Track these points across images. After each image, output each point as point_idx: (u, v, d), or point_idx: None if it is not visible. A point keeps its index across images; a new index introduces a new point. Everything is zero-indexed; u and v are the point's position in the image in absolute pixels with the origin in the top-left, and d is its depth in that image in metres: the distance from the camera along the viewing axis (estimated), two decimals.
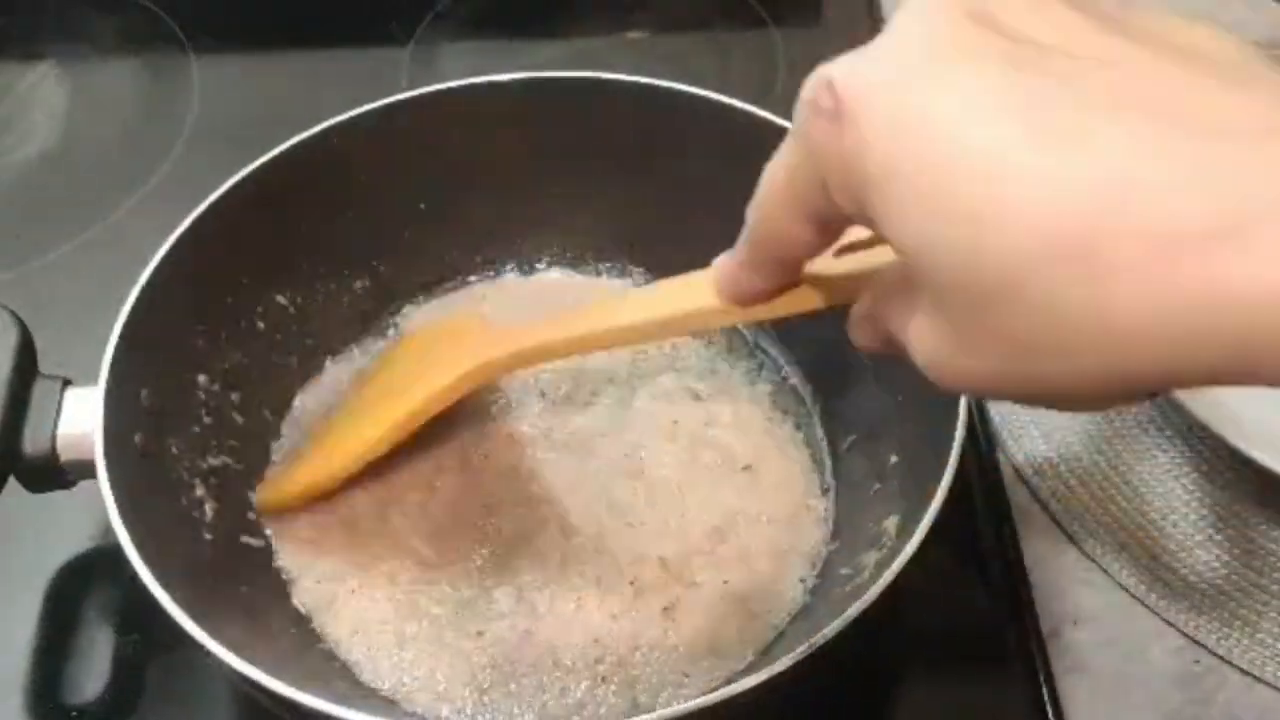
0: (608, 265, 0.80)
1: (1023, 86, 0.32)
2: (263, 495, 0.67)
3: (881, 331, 0.40)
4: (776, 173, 0.40)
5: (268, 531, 0.67)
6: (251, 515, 0.67)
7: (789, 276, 0.44)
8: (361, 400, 0.70)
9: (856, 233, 0.42)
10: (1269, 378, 0.32)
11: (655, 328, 0.54)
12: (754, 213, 0.42)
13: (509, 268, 0.79)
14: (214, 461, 0.66)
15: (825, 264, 0.44)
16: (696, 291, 0.49)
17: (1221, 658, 0.67)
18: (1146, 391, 0.35)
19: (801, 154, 0.37)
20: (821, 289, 0.45)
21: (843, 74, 0.34)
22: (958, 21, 0.33)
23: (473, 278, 0.79)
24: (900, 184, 0.33)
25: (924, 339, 0.36)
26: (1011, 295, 0.31)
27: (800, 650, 0.51)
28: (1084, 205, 0.30)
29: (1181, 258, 0.29)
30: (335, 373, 0.74)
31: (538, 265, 0.80)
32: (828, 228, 0.39)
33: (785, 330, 0.75)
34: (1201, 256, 0.29)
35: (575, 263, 0.80)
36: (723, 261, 0.47)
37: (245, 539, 0.66)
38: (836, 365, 0.72)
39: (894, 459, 0.65)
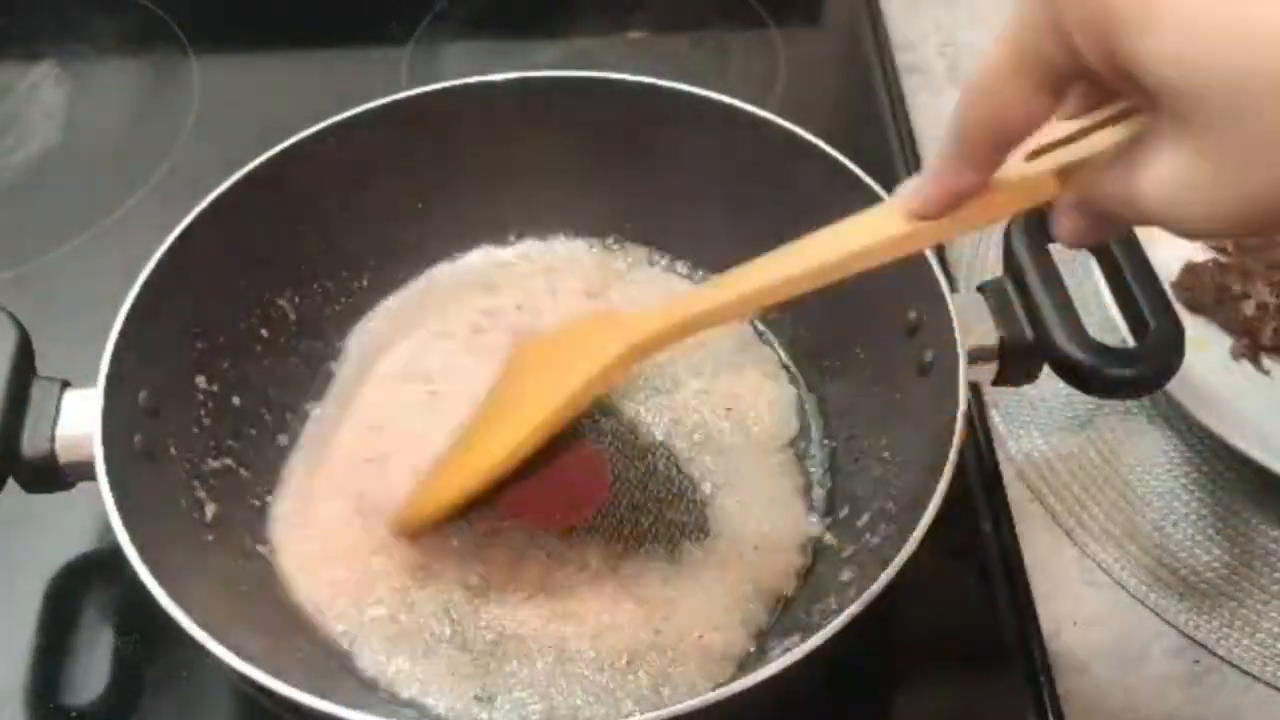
0: (601, 254, 0.79)
1: None
2: (397, 520, 0.65)
3: (1096, 212, 0.40)
4: (1004, 40, 0.39)
5: (270, 533, 0.67)
6: (255, 519, 0.67)
7: (996, 164, 0.43)
8: (488, 420, 0.67)
9: (1040, 138, 0.42)
10: None
11: (833, 269, 0.50)
12: (971, 93, 0.41)
13: (507, 264, 0.79)
14: (214, 464, 0.66)
15: (1020, 167, 0.43)
16: (876, 223, 0.48)
17: (1221, 658, 0.67)
18: None
19: (1040, 5, 0.37)
20: (1020, 191, 0.44)
21: None
22: None
23: (472, 275, 0.79)
24: (1163, 9, 0.34)
25: (1168, 186, 0.37)
26: None
27: (799, 650, 0.51)
28: None
29: None
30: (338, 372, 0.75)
31: (528, 258, 0.79)
32: (1057, 88, 0.39)
33: (783, 328, 0.75)
34: None
35: (566, 252, 0.79)
36: (909, 181, 0.45)
37: (247, 541, 0.66)
38: (836, 364, 0.72)
39: (893, 458, 0.65)
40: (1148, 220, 0.38)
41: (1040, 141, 0.43)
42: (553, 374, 0.63)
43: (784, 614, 0.64)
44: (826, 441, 0.71)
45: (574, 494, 0.67)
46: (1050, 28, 0.37)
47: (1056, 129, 0.42)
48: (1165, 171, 0.37)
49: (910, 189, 0.45)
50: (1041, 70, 0.38)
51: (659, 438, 0.70)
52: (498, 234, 0.79)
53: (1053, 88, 0.39)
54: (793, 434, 0.71)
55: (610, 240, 0.79)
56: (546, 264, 0.78)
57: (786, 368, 0.74)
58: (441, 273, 0.78)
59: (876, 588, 0.52)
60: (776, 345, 0.75)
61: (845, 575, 0.62)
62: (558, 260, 0.79)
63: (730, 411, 0.71)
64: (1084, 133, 0.42)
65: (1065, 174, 0.42)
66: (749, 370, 0.73)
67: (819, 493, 0.69)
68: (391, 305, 0.77)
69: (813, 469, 0.70)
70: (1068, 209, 0.43)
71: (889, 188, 0.66)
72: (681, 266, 0.78)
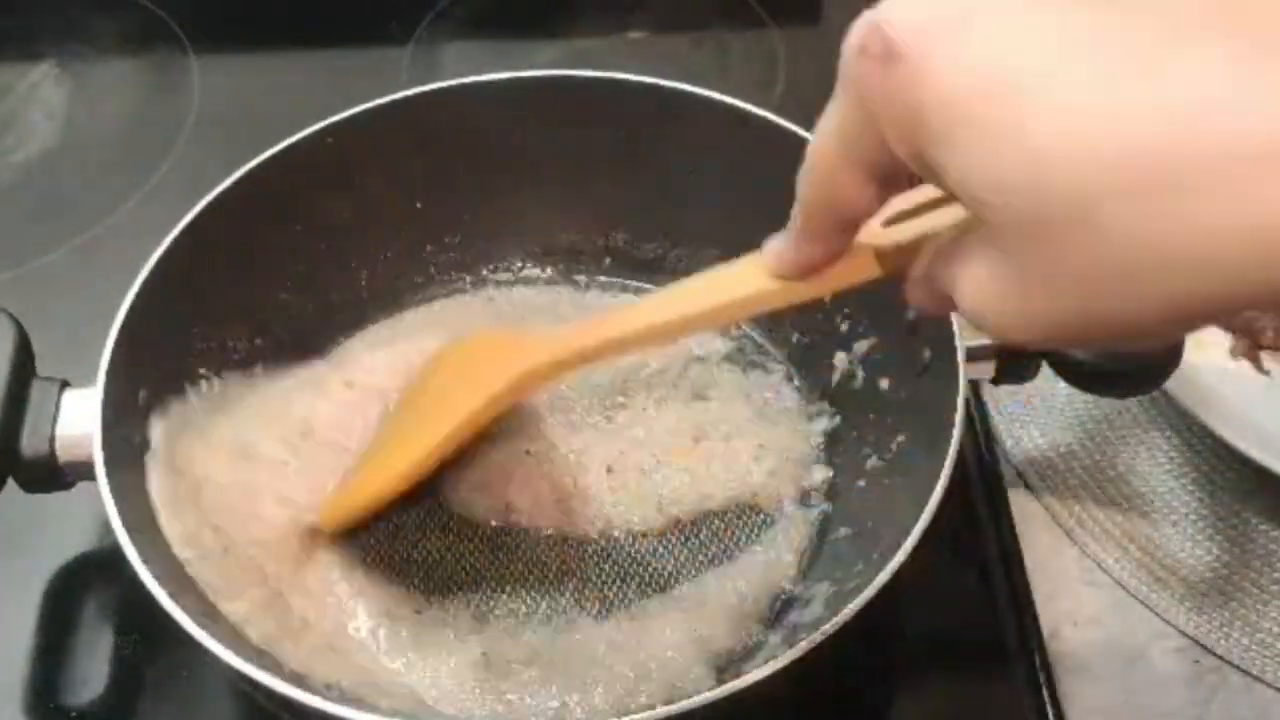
0: (608, 262, 0.79)
1: (1087, 22, 0.31)
2: (323, 515, 0.66)
3: (937, 291, 0.39)
4: (826, 130, 0.38)
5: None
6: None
7: (844, 242, 0.43)
8: (406, 420, 0.68)
9: (900, 203, 0.42)
10: None
11: (707, 317, 0.52)
12: (806, 176, 0.41)
13: (507, 264, 0.79)
14: None
15: (877, 233, 0.43)
16: (746, 275, 0.48)
17: (1221, 658, 0.67)
18: (1210, 320, 0.34)
19: (853, 104, 0.36)
20: (875, 258, 0.44)
21: (896, 16, 0.34)
22: None
23: (470, 275, 0.79)
24: (962, 124, 0.32)
25: (982, 289, 0.35)
26: (1083, 228, 0.31)
27: (797, 649, 0.51)
28: (1160, 131, 0.30)
29: (1263, 176, 0.29)
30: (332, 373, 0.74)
31: (537, 262, 0.79)
32: (884, 181, 0.39)
33: (780, 330, 0.75)
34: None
35: (575, 259, 0.79)
36: (774, 239, 0.46)
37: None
38: (836, 366, 0.72)
39: (893, 458, 0.65)
40: (968, 318, 0.37)
41: (900, 208, 0.43)
42: (464, 386, 0.64)
43: (783, 612, 0.64)
44: (829, 444, 0.71)
45: None
46: (866, 125, 0.36)
47: (918, 194, 0.42)
48: (981, 274, 0.35)
49: (770, 250, 0.46)
50: (866, 163, 0.38)
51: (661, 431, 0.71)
52: (497, 230, 0.79)
53: (881, 178, 0.38)
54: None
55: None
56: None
57: (790, 377, 0.74)
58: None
59: (875, 587, 0.52)
60: (777, 348, 0.75)
61: (844, 574, 0.62)
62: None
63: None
64: (933, 204, 0.42)
65: (909, 248, 0.42)
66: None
67: (819, 493, 0.69)
68: (387, 310, 0.77)
69: (814, 469, 0.70)
70: (914, 281, 0.42)
71: None
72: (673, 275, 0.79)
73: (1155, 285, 0.31)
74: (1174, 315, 0.32)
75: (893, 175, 0.38)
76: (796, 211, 0.43)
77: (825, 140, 0.39)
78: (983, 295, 0.36)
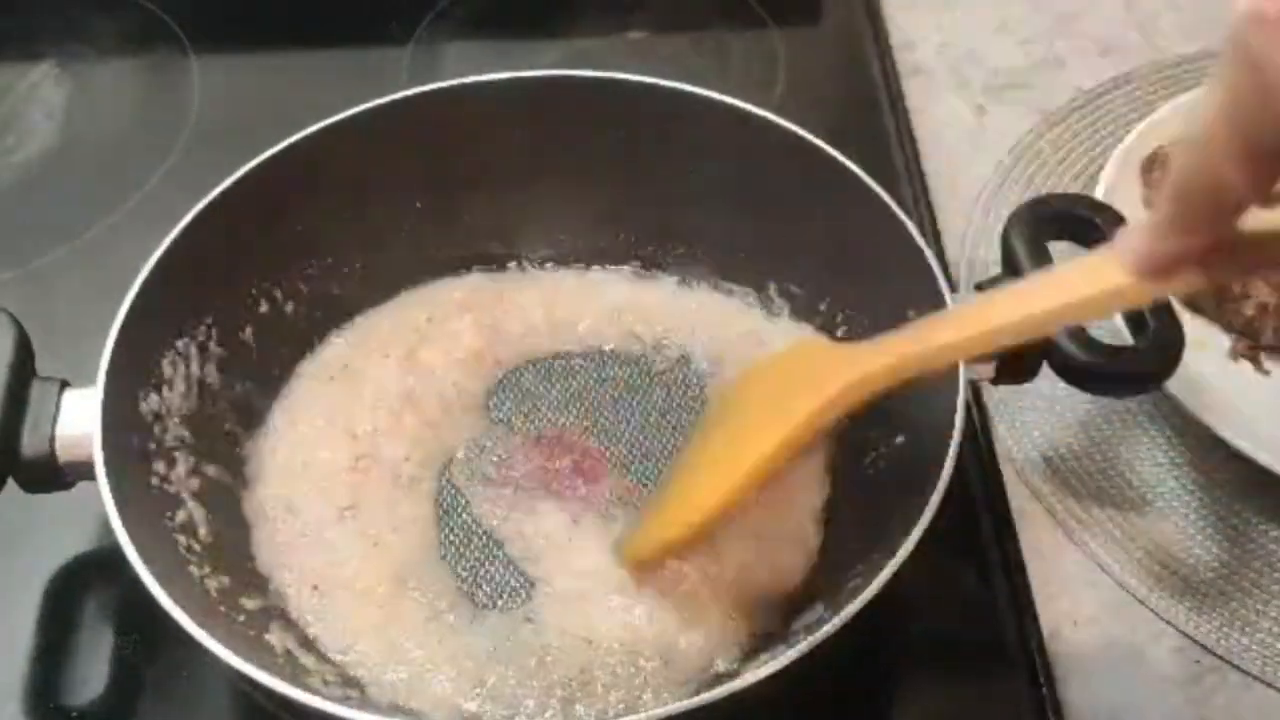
0: (607, 262, 0.79)
1: None
2: (630, 552, 0.64)
3: None
4: (1212, 108, 0.36)
5: (262, 530, 0.67)
6: (244, 520, 0.67)
7: (1216, 234, 0.39)
8: (715, 444, 0.64)
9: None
10: None
11: (1054, 315, 0.49)
12: (1182, 159, 0.38)
13: (507, 265, 0.79)
14: (215, 463, 0.67)
15: (1257, 221, 0.40)
16: (1097, 272, 0.45)
17: (1221, 658, 0.67)
18: None
19: (1245, 75, 0.34)
20: (1256, 250, 0.40)
21: None
22: None
23: (470, 275, 0.79)
24: None
25: None
26: None
27: (796, 649, 0.51)
28: None
29: None
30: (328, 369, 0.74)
31: (536, 262, 0.79)
32: (1271, 160, 0.36)
33: (788, 332, 0.75)
34: None
35: (574, 259, 0.80)
36: (1133, 232, 0.42)
37: (238, 548, 0.66)
38: None
39: (893, 458, 0.65)
40: None
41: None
42: (771, 406, 0.60)
43: (784, 613, 0.64)
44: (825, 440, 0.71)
45: None
46: (1260, 101, 0.34)
47: None
48: None
49: (1128, 248, 0.43)
50: (1254, 142, 0.35)
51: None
52: (496, 231, 0.79)
53: (1270, 157, 0.36)
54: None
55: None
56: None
57: None
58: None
59: (875, 587, 0.52)
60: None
61: (844, 575, 0.62)
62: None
63: None
64: None
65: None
66: None
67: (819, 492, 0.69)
68: (388, 309, 0.77)
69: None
70: None
71: (889, 188, 0.67)
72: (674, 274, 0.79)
73: None
74: None
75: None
76: (1166, 202, 0.39)
77: (1212, 119, 0.36)
78: None
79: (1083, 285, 0.46)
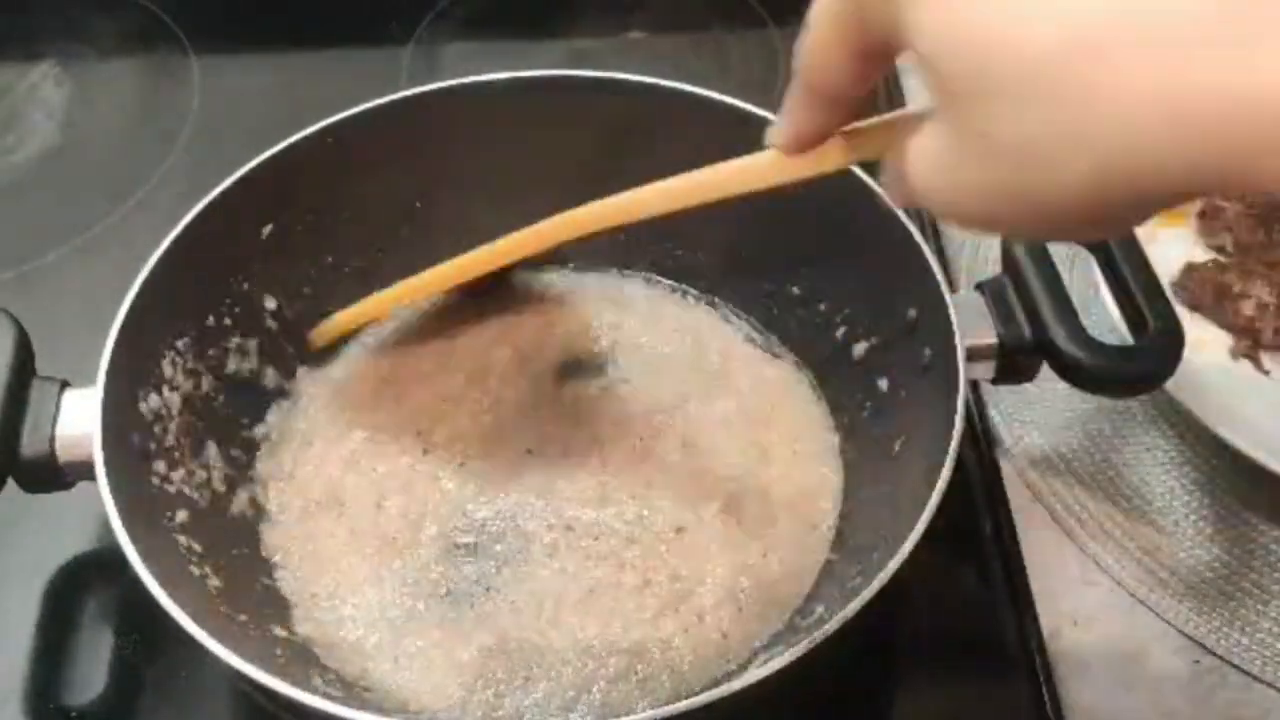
0: (606, 262, 0.79)
1: None
2: (318, 332, 0.71)
3: (899, 178, 0.41)
4: (821, 12, 0.41)
5: (263, 531, 0.67)
6: (244, 520, 0.67)
7: (838, 115, 0.45)
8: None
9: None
10: (1269, 179, 0.31)
11: (707, 188, 0.57)
12: (802, 51, 0.43)
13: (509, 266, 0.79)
14: (216, 463, 0.66)
15: (856, 123, 0.46)
16: (750, 158, 0.51)
17: (1221, 658, 0.67)
18: (1131, 211, 0.36)
19: None
20: (855, 142, 0.46)
21: None
22: None
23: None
24: None
25: (925, 157, 0.37)
26: (1024, 90, 0.32)
27: (796, 649, 0.51)
28: (1107, 8, 0.31)
29: (1194, 58, 0.30)
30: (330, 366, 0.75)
31: (536, 263, 0.79)
32: (868, 56, 0.40)
33: (789, 330, 0.75)
34: (1213, 57, 0.30)
35: (573, 260, 0.79)
36: (777, 117, 0.47)
37: (238, 548, 0.66)
38: (839, 363, 0.72)
39: (893, 458, 0.65)
40: (916, 200, 0.39)
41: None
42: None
43: (786, 613, 0.64)
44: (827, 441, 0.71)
45: None
46: (853, 12, 0.39)
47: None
48: (927, 147, 0.37)
49: (770, 128, 0.48)
50: (853, 42, 0.40)
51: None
52: (496, 232, 0.79)
53: (866, 56, 0.40)
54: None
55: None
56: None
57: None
58: None
59: (874, 587, 0.52)
60: (785, 348, 0.75)
61: (844, 574, 0.62)
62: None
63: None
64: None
65: (884, 131, 0.44)
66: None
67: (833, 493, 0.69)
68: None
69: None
70: (886, 168, 0.44)
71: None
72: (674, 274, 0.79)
73: (1089, 157, 0.32)
74: (1108, 196, 0.33)
75: (873, 51, 0.40)
76: (794, 80, 0.44)
77: (818, 18, 0.41)
78: (925, 168, 0.38)
79: (740, 161, 0.52)
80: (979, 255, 0.84)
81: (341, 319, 0.73)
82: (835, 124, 0.45)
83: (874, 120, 0.45)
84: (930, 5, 0.35)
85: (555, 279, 0.79)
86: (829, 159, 0.47)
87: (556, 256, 0.79)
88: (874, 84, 0.43)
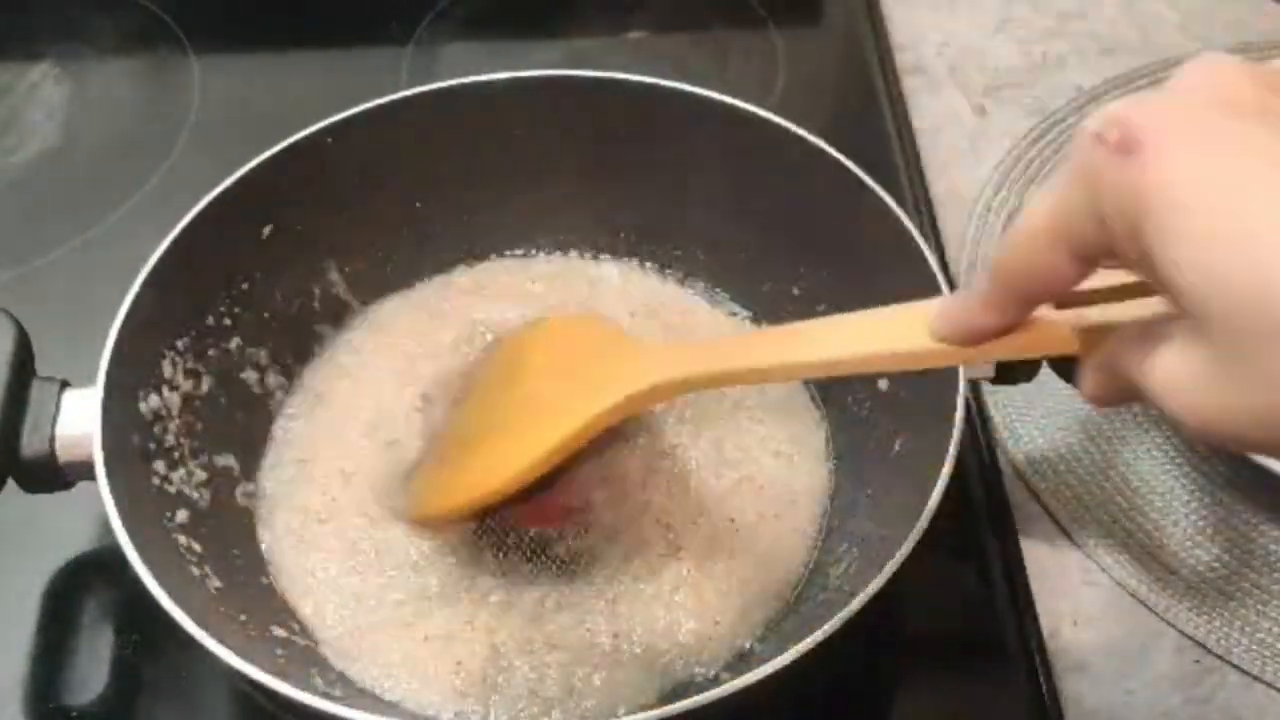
0: (606, 261, 0.79)
1: None
2: (412, 515, 0.66)
3: (1119, 381, 0.41)
4: (1042, 204, 0.40)
5: (259, 534, 0.67)
6: (244, 520, 0.67)
7: (1024, 314, 0.44)
8: (500, 412, 0.66)
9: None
10: None
11: (855, 364, 0.52)
12: (1009, 243, 0.42)
13: (506, 262, 0.79)
14: (217, 462, 0.67)
15: (1068, 314, 0.44)
16: (904, 328, 0.48)
17: (1221, 657, 0.67)
18: None
19: (1079, 184, 0.38)
20: (1050, 336, 0.45)
21: (1138, 114, 0.36)
22: (1244, 83, 0.37)
23: (471, 273, 0.79)
24: (1190, 217, 0.35)
25: (1178, 380, 0.37)
26: None
27: (795, 649, 0.51)
28: None
29: None
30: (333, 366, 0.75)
31: (535, 259, 0.79)
32: (1086, 261, 0.40)
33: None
34: None
35: (574, 256, 0.80)
36: (945, 301, 0.47)
37: (238, 548, 0.66)
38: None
39: (893, 458, 0.65)
40: (1156, 405, 0.39)
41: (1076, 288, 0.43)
42: (576, 386, 0.61)
43: (783, 613, 0.64)
44: (826, 441, 0.71)
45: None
46: (1088, 209, 0.38)
47: (1094, 279, 0.43)
48: (1178, 364, 0.37)
49: (940, 310, 0.47)
50: (1078, 242, 0.39)
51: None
52: (496, 232, 0.79)
53: (1086, 259, 0.40)
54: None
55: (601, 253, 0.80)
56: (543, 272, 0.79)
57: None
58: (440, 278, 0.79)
59: (873, 588, 0.52)
60: None
61: (843, 575, 0.62)
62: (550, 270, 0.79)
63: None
64: (1116, 294, 0.43)
65: (1088, 334, 0.43)
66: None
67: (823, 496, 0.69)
68: (388, 309, 0.77)
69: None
70: (1092, 369, 0.43)
71: (889, 188, 0.67)
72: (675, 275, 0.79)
73: None
74: None
75: (1094, 256, 0.40)
76: (984, 278, 0.44)
77: (1041, 212, 0.40)
78: (1176, 384, 0.37)
79: (893, 339, 0.49)
80: (979, 255, 0.85)
81: (437, 509, 0.66)
82: (1018, 321, 0.44)
83: (1093, 320, 0.44)
84: (1193, 245, 0.34)
85: (547, 268, 0.79)
86: (1002, 349, 0.45)
87: (552, 247, 0.79)
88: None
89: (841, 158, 0.69)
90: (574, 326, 0.69)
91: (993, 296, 0.44)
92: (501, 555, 0.65)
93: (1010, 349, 0.45)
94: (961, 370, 0.59)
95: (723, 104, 0.72)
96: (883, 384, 0.68)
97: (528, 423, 0.63)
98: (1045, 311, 0.44)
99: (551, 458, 0.60)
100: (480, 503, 0.63)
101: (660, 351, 0.62)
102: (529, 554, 0.65)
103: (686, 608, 0.63)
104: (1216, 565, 0.70)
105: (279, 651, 0.60)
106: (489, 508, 0.64)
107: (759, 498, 0.68)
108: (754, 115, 0.71)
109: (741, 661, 0.62)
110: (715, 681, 0.60)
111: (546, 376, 0.65)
